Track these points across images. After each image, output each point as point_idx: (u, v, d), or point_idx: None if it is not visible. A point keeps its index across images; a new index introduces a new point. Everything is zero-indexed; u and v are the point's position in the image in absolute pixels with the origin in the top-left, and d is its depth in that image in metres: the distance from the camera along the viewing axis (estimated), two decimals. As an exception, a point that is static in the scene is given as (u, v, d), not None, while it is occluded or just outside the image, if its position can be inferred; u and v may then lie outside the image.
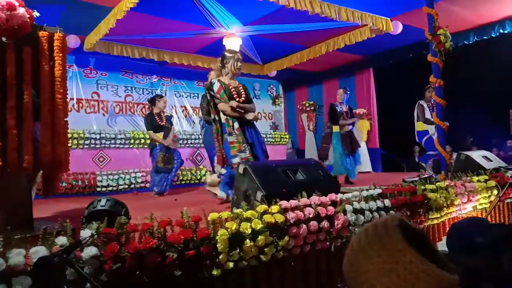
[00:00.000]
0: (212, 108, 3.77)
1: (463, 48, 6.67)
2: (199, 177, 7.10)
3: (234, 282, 2.00)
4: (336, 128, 5.92)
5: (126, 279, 1.64)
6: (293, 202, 2.30)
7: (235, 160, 3.46)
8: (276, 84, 10.16)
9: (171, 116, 6.90)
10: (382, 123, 8.63)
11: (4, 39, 1.99)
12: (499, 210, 3.90)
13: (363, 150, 8.49)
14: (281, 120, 10.23)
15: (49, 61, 2.17)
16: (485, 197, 3.71)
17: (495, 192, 3.76)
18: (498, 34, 6.41)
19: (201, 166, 7.39)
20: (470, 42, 6.75)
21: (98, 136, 6.35)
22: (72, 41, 5.81)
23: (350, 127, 6.01)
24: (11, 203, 2.10)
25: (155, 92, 7.53)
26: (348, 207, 2.54)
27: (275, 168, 2.81)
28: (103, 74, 7.48)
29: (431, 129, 5.83)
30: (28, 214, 2.18)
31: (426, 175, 3.94)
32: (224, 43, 6.27)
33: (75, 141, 6.05)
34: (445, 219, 3.29)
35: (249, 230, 1.99)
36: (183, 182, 6.85)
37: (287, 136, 9.19)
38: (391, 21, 5.86)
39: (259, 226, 2.02)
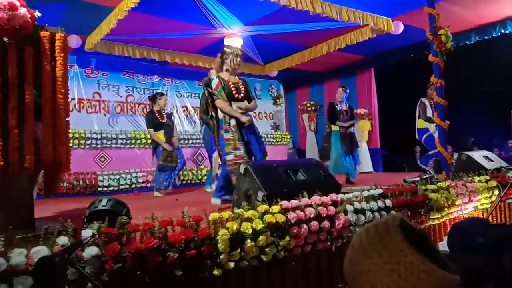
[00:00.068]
0: (210, 105, 3.72)
1: (464, 48, 6.66)
2: (200, 177, 7.10)
3: (235, 282, 2.00)
4: (335, 127, 5.92)
5: (127, 279, 1.64)
6: (294, 202, 2.30)
7: (229, 157, 3.45)
8: (277, 84, 10.17)
9: (171, 113, 6.90)
10: (383, 123, 8.62)
11: (5, 39, 2.00)
12: (500, 211, 3.90)
13: (364, 150, 8.49)
14: (282, 120, 10.23)
15: (50, 61, 2.17)
16: (486, 197, 3.70)
17: (496, 192, 3.76)
18: (499, 34, 6.40)
19: (202, 166, 7.40)
20: (471, 42, 6.74)
21: (99, 136, 6.35)
22: (74, 41, 5.82)
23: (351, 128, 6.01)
24: (12, 203, 2.11)
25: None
26: (349, 207, 2.54)
27: (276, 168, 2.81)
28: (104, 74, 7.48)
29: (432, 127, 5.82)
30: (30, 214, 2.19)
31: (427, 176, 3.94)
32: (225, 43, 6.27)
33: (76, 141, 6.05)
34: (446, 219, 3.29)
35: (250, 230, 1.99)
36: (184, 182, 6.86)
37: (288, 136, 9.19)
38: (392, 21, 5.85)
39: (260, 226, 2.03)
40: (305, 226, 2.22)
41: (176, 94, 8.35)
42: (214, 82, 3.64)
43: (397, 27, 5.91)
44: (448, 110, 4.56)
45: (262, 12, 5.59)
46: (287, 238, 2.13)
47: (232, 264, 1.92)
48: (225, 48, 3.83)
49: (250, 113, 3.89)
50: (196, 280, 1.82)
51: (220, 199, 3.61)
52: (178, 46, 6.92)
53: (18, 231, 1.75)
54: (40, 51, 2.14)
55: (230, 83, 3.68)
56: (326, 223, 2.33)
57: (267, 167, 2.83)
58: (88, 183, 5.96)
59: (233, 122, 3.57)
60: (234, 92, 3.65)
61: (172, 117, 6.23)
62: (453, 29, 4.59)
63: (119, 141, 6.56)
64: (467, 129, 8.32)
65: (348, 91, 6.16)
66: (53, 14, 4.75)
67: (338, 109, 5.93)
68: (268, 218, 2.09)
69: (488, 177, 3.86)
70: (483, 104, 7.46)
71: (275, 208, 2.19)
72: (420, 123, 6.19)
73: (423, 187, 3.17)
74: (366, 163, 8.44)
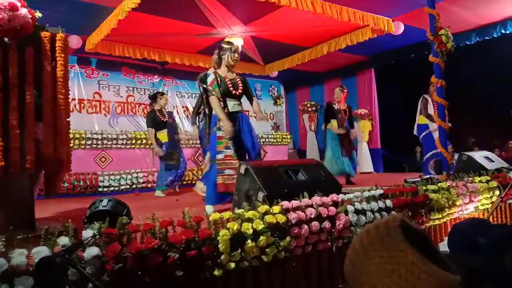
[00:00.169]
0: (204, 101, 3.68)
1: (465, 49, 6.66)
2: (200, 177, 7.08)
3: (236, 283, 2.00)
4: (332, 126, 5.89)
5: (128, 279, 1.64)
6: (294, 203, 2.29)
7: (219, 157, 3.44)
8: (277, 85, 10.17)
9: (172, 112, 6.90)
10: (383, 124, 8.62)
11: (6, 39, 2.00)
12: (501, 211, 3.90)
13: (364, 151, 8.50)
14: (283, 120, 10.23)
15: (51, 62, 2.18)
16: (487, 197, 3.70)
17: (497, 192, 3.76)
18: (500, 34, 6.40)
19: (202, 166, 7.39)
20: (472, 43, 6.74)
21: (99, 137, 6.36)
22: (74, 41, 5.83)
23: (351, 129, 6.00)
24: (13, 203, 2.11)
25: (156, 93, 7.54)
26: (350, 208, 2.54)
27: (277, 169, 2.81)
28: (105, 75, 7.49)
29: (432, 125, 5.78)
30: (30, 214, 2.19)
31: (427, 176, 3.94)
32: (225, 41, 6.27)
33: (77, 141, 6.06)
34: (447, 220, 3.28)
35: (251, 231, 1.99)
36: (184, 182, 6.85)
37: (289, 137, 9.19)
38: (393, 21, 5.85)
39: (260, 226, 2.02)
40: (305, 226, 2.22)
41: (177, 95, 8.36)
42: (210, 78, 3.58)
43: (398, 28, 5.91)
44: (448, 110, 4.56)
45: (263, 12, 5.59)
46: (288, 238, 2.13)
47: (232, 265, 1.91)
48: (222, 44, 3.77)
49: (251, 113, 3.87)
50: (197, 281, 1.82)
51: (212, 205, 3.59)
52: (178, 47, 6.92)
53: (18, 231, 1.74)
54: (41, 51, 2.14)
55: (227, 79, 3.61)
56: (326, 224, 2.33)
57: (267, 168, 2.82)
58: (88, 184, 5.97)
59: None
60: (230, 88, 3.58)
61: (173, 115, 6.23)
62: (453, 29, 4.58)
63: (120, 142, 6.56)
64: (468, 130, 8.31)
65: (346, 90, 6.12)
66: (53, 15, 4.75)
67: (336, 108, 5.91)
68: (269, 218, 2.09)
69: (488, 178, 3.86)
70: (484, 104, 7.45)
71: (276, 209, 2.19)
72: (421, 119, 6.13)
73: (424, 188, 3.17)
74: (366, 163, 8.44)
